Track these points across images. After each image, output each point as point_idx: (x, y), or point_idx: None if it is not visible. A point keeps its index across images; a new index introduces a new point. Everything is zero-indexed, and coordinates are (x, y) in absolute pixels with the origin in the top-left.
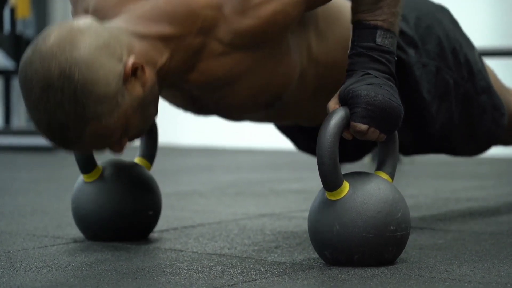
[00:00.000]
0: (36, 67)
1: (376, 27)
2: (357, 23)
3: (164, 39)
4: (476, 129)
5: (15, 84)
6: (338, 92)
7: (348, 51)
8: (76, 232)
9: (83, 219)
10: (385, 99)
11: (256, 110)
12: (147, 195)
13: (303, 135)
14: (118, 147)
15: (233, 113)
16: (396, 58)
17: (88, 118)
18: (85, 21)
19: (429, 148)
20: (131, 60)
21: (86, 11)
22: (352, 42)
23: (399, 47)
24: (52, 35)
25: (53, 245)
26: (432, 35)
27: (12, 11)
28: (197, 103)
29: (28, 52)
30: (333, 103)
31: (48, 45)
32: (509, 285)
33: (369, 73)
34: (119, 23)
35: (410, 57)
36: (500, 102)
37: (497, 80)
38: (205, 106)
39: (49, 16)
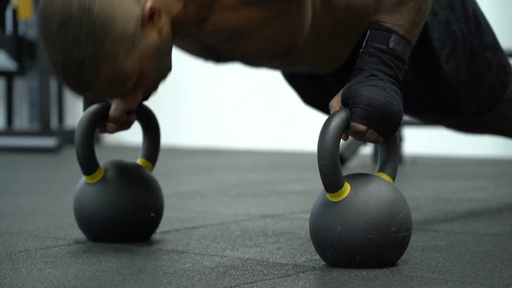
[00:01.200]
0: (57, 2)
1: (391, 31)
2: (374, 23)
3: None
4: (481, 84)
5: (17, 85)
6: (341, 91)
7: (361, 50)
8: (78, 233)
9: (85, 220)
10: (385, 101)
11: (272, 59)
12: (149, 196)
13: (312, 89)
14: (131, 98)
15: (249, 60)
16: (406, 67)
17: (104, 57)
18: None
19: (433, 103)
20: (149, 3)
21: None
22: (366, 41)
23: None
24: None
25: (55, 246)
26: None
27: (14, 12)
28: (214, 52)
29: None
30: (335, 102)
31: None
32: (511, 286)
33: (375, 75)
34: None
35: None
36: (506, 59)
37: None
38: (221, 55)
39: None
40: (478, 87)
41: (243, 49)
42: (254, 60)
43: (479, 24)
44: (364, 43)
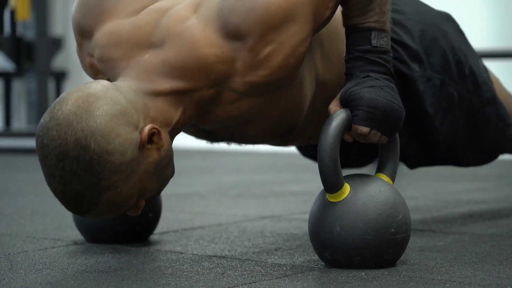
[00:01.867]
0: (53, 134)
1: (369, 29)
2: (350, 27)
3: (178, 94)
4: (481, 140)
5: (16, 86)
6: (338, 95)
7: (344, 55)
8: (76, 234)
9: (83, 222)
10: (386, 101)
11: (272, 139)
12: None
13: (308, 148)
14: (134, 210)
15: (248, 142)
16: (392, 56)
17: (103, 187)
18: (102, 86)
19: (433, 160)
20: (147, 128)
21: (91, 56)
22: (347, 46)
23: (402, 61)
24: (69, 101)
25: (53, 247)
26: (437, 47)
27: (12, 13)
28: (210, 135)
29: (45, 117)
30: (334, 106)
31: (65, 112)
32: (509, 287)
33: (369, 75)
34: (132, 83)
35: (413, 72)
36: (506, 112)
37: (502, 89)
38: (219, 138)
39: (49, 18)
40: (477, 142)
41: (243, 133)
42: (252, 141)
43: (476, 81)
44: (346, 49)
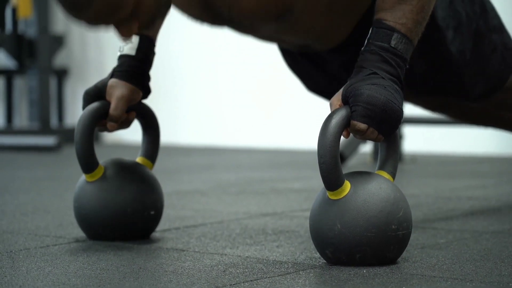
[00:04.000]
0: None
1: (393, 29)
2: (377, 21)
3: None
4: (486, 66)
5: (17, 83)
6: (342, 89)
7: (362, 48)
8: (78, 232)
9: (85, 219)
10: (386, 100)
11: (268, 19)
12: (149, 195)
13: (312, 71)
14: (126, 29)
15: (245, 21)
16: (408, 66)
17: None
18: None
19: (438, 84)
20: None
21: None
22: (368, 39)
23: None
24: None
25: (55, 245)
26: None
27: (14, 11)
28: (211, 10)
29: None
30: (335, 100)
31: None
32: (511, 284)
33: (376, 73)
34: None
35: None
36: (511, 42)
37: None
38: (218, 13)
39: (51, 16)
40: (483, 69)
41: (239, 5)
42: (249, 19)
43: (484, 6)
44: (366, 41)
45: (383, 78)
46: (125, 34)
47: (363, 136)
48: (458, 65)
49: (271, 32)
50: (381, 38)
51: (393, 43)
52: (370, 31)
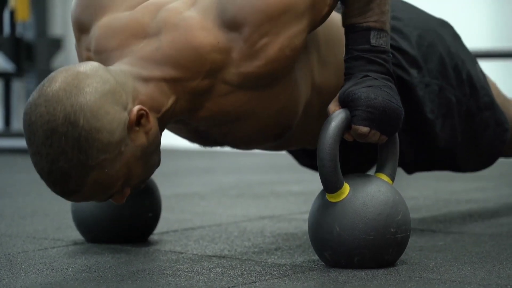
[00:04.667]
0: (41, 110)
1: (369, 29)
2: (350, 27)
3: (169, 82)
4: (479, 145)
5: (15, 86)
6: (337, 95)
7: (344, 56)
8: (76, 235)
9: (83, 222)
10: (385, 101)
11: (265, 141)
12: (146, 198)
13: (304, 157)
14: (119, 197)
15: (241, 145)
16: (391, 55)
17: (90, 167)
18: (91, 65)
19: (432, 166)
20: (136, 109)
21: (88, 50)
22: (347, 46)
23: (401, 67)
24: (59, 78)
25: (53, 248)
26: (434, 53)
27: (12, 14)
28: (203, 136)
29: (34, 95)
30: (333, 106)
31: (54, 88)
32: (509, 286)
33: (367, 75)
34: (123, 67)
35: (412, 78)
36: (504, 117)
37: (500, 93)
38: (211, 139)
39: (49, 19)
40: (476, 147)
41: (236, 133)
42: (245, 143)
43: (474, 86)
44: (345, 49)
45: (376, 79)
46: (117, 201)
47: (365, 139)
48: (450, 149)
49: (267, 148)
50: (359, 41)
51: (373, 41)
52: (345, 38)
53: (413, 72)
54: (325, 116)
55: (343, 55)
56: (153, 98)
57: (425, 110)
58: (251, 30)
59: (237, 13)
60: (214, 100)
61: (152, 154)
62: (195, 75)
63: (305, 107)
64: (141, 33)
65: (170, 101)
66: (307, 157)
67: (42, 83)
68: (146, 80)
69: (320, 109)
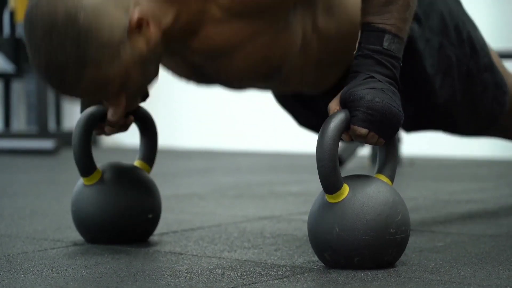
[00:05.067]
0: (42, 9)
1: (384, 31)
2: (366, 25)
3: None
4: (477, 106)
5: (15, 87)
6: (339, 94)
7: (354, 52)
8: (76, 235)
9: (83, 222)
10: (385, 104)
11: (256, 81)
12: (147, 198)
13: (304, 110)
14: (115, 102)
15: (233, 82)
16: (401, 64)
17: (87, 63)
18: None
19: (430, 124)
20: (137, 14)
21: None
22: (359, 43)
23: None
24: None
25: (53, 248)
26: (435, 11)
27: (12, 15)
28: (198, 71)
29: None
30: (334, 105)
31: None
32: (509, 287)
33: (372, 77)
34: None
35: (413, 31)
36: (503, 80)
37: (499, 60)
38: (206, 74)
39: None
40: (475, 108)
41: (228, 68)
42: (238, 81)
43: (474, 47)
44: (357, 46)
45: (380, 81)
46: (115, 107)
47: (364, 141)
48: (449, 108)
49: (260, 88)
50: (372, 41)
51: (385, 44)
52: (360, 35)
53: (414, 26)
54: (324, 62)
55: (350, 6)
56: (154, 12)
57: (425, 63)
58: None
59: None
60: (207, 28)
61: (150, 64)
62: None
63: (303, 50)
64: None
65: (169, 18)
66: (307, 115)
67: None
68: None
69: (319, 54)
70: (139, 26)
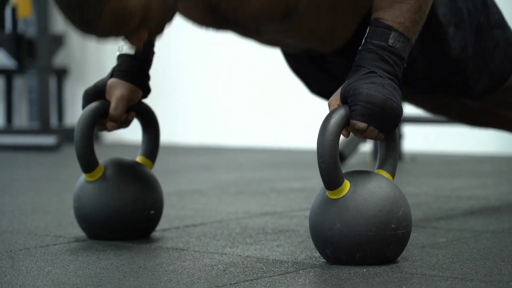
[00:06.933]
0: None
1: (391, 28)
2: (374, 20)
3: None
4: (488, 62)
5: (17, 83)
6: (340, 88)
7: (360, 47)
8: (78, 231)
9: (85, 218)
10: (385, 98)
11: (272, 20)
12: (149, 194)
13: (317, 72)
14: (136, 38)
15: (250, 22)
16: (405, 65)
17: None
18: None
19: (442, 82)
20: None
21: None
22: (365, 38)
23: None
24: None
25: (55, 244)
26: None
27: (14, 11)
28: (216, 14)
29: None
30: (334, 100)
31: None
32: (510, 283)
33: (374, 72)
34: None
35: None
36: None
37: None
38: (223, 17)
39: (50, 15)
40: (485, 65)
41: (245, 6)
42: (253, 20)
43: (485, 2)
44: (363, 40)
45: (381, 76)
46: (136, 44)
47: (363, 135)
48: (460, 61)
49: (276, 35)
50: (378, 37)
51: (390, 41)
52: (367, 30)
53: None
54: (337, 7)
55: None
56: None
57: (437, 13)
58: None
59: None
60: None
61: None
62: None
63: None
64: None
65: None
66: (317, 82)
67: None
68: None
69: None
70: None
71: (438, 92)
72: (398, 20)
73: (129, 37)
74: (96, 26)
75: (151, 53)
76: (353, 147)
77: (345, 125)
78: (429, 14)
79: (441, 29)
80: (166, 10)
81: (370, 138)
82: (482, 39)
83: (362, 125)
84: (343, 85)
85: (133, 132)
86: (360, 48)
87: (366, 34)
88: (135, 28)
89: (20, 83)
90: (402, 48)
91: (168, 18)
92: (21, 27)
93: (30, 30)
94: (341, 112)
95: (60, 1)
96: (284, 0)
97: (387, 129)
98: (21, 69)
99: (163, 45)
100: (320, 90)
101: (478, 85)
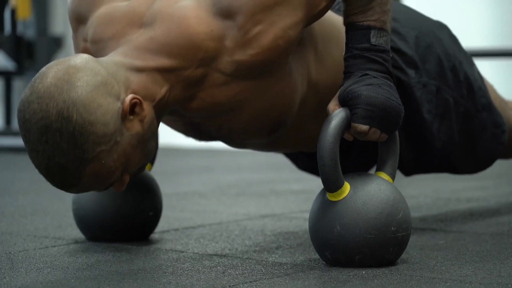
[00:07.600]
0: (34, 108)
1: (369, 28)
2: (350, 25)
3: (163, 72)
4: (476, 146)
5: (16, 85)
6: (337, 94)
7: (343, 54)
8: (77, 233)
9: (84, 220)
10: (384, 99)
11: (259, 136)
12: (147, 196)
13: (303, 155)
14: (119, 185)
15: (235, 139)
16: (390, 56)
17: (87, 160)
18: (81, 58)
19: (430, 168)
20: (128, 98)
21: (85, 40)
22: (347, 44)
23: (399, 68)
24: (50, 74)
25: (54, 246)
26: (432, 54)
27: (13, 12)
28: (198, 129)
29: (26, 92)
30: (332, 105)
31: (46, 84)
32: (510, 285)
33: (367, 74)
34: (116, 57)
35: (410, 78)
36: (501, 119)
37: (497, 96)
38: (206, 132)
39: (50, 17)
40: (473, 149)
41: (231, 124)
42: (240, 137)
43: (471, 87)
44: (345, 47)
45: (375, 77)
46: (117, 189)
47: (365, 137)
48: (447, 150)
49: (261, 146)
50: (359, 40)
51: (373, 40)
52: (346, 37)
53: (411, 72)
54: (322, 116)
55: (342, 54)
56: (146, 87)
57: (422, 110)
58: (245, 18)
59: (233, 2)
60: (208, 90)
61: (149, 141)
62: (188, 63)
63: (301, 105)
64: (137, 22)
65: (163, 90)
66: (305, 158)
67: (33, 79)
68: (139, 70)
69: (316, 107)
70: (132, 109)
71: (424, 173)
72: (373, 18)
73: (112, 186)
74: (77, 187)
75: None
76: None
77: (346, 127)
78: (414, 110)
79: (426, 125)
80: (145, 154)
81: (373, 140)
82: (469, 125)
83: (364, 127)
84: (340, 89)
85: None
86: (344, 55)
87: (346, 40)
88: (117, 178)
89: (19, 85)
90: (384, 42)
91: (149, 159)
92: (20, 28)
93: (29, 32)
94: (341, 115)
95: (39, 166)
96: (273, 116)
97: (389, 129)
98: (20, 70)
99: None
100: (306, 168)
101: (467, 167)
